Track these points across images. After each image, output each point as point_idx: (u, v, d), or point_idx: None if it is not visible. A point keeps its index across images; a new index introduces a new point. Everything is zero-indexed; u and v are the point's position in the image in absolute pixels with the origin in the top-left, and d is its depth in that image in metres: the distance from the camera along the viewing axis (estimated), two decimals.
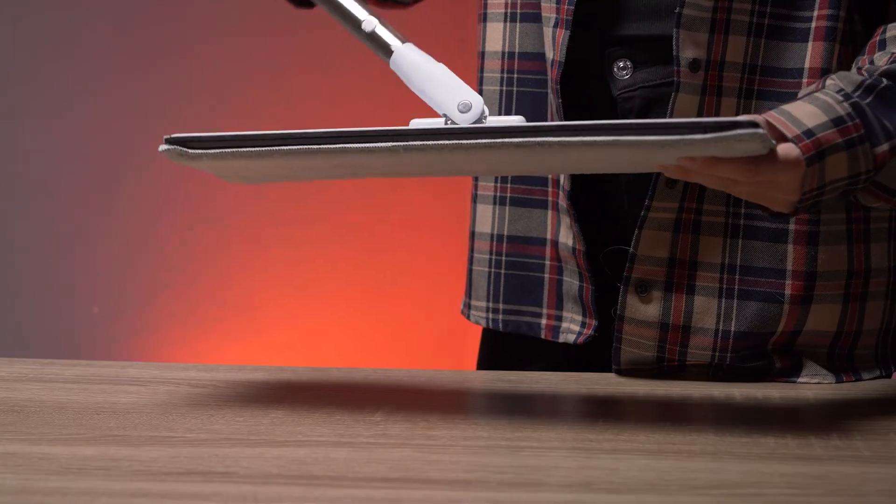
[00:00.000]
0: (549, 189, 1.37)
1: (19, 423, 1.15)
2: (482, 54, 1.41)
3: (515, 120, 1.14)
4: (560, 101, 1.31)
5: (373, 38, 1.25)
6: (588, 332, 1.36)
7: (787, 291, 1.30)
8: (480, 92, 1.41)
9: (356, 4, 1.26)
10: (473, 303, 1.44)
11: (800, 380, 1.32)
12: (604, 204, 1.34)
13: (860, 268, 1.32)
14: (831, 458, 1.06)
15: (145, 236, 2.86)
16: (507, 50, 1.38)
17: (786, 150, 1.12)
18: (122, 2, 2.82)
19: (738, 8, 1.27)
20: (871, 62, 1.24)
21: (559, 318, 1.39)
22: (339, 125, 1.12)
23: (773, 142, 1.09)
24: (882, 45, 1.25)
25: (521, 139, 1.06)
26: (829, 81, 1.20)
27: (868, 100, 1.17)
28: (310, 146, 1.10)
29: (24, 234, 2.86)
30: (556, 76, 1.31)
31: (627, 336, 1.32)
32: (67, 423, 1.15)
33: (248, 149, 1.11)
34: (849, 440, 1.11)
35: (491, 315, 1.42)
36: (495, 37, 1.39)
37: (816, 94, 1.17)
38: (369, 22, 1.24)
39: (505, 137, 1.06)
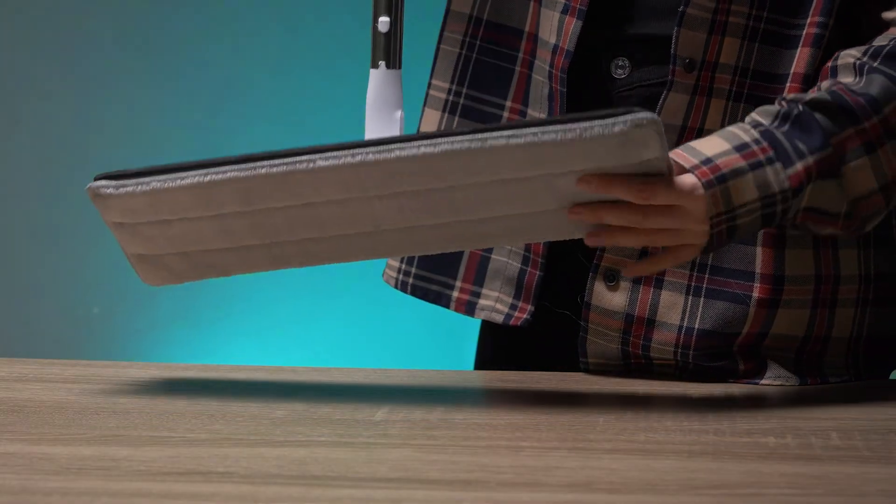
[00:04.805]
0: None
1: (19, 423, 1.15)
2: (447, 13, 1.39)
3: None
4: (565, 90, 1.31)
5: (376, 38, 1.24)
6: (523, 315, 1.35)
7: (755, 294, 1.30)
8: (438, 49, 1.40)
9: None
10: (390, 262, 1.43)
11: (763, 381, 1.31)
12: None
13: (828, 273, 1.31)
14: (831, 458, 1.06)
15: None
16: (475, 14, 1.37)
17: (683, 178, 1.16)
18: (122, 1, 2.82)
19: (737, 10, 1.27)
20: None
21: (476, 295, 1.38)
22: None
23: (666, 153, 1.13)
24: (833, 72, 1.26)
25: (465, 139, 1.09)
26: (747, 117, 1.23)
27: (783, 127, 1.20)
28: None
29: (24, 234, 2.85)
30: (560, 64, 1.31)
31: (593, 325, 1.33)
32: (67, 423, 1.15)
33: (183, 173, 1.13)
34: (849, 440, 1.11)
35: (402, 276, 1.41)
36: None
37: (726, 128, 1.22)
38: (384, 23, 1.23)
39: (437, 140, 1.08)
